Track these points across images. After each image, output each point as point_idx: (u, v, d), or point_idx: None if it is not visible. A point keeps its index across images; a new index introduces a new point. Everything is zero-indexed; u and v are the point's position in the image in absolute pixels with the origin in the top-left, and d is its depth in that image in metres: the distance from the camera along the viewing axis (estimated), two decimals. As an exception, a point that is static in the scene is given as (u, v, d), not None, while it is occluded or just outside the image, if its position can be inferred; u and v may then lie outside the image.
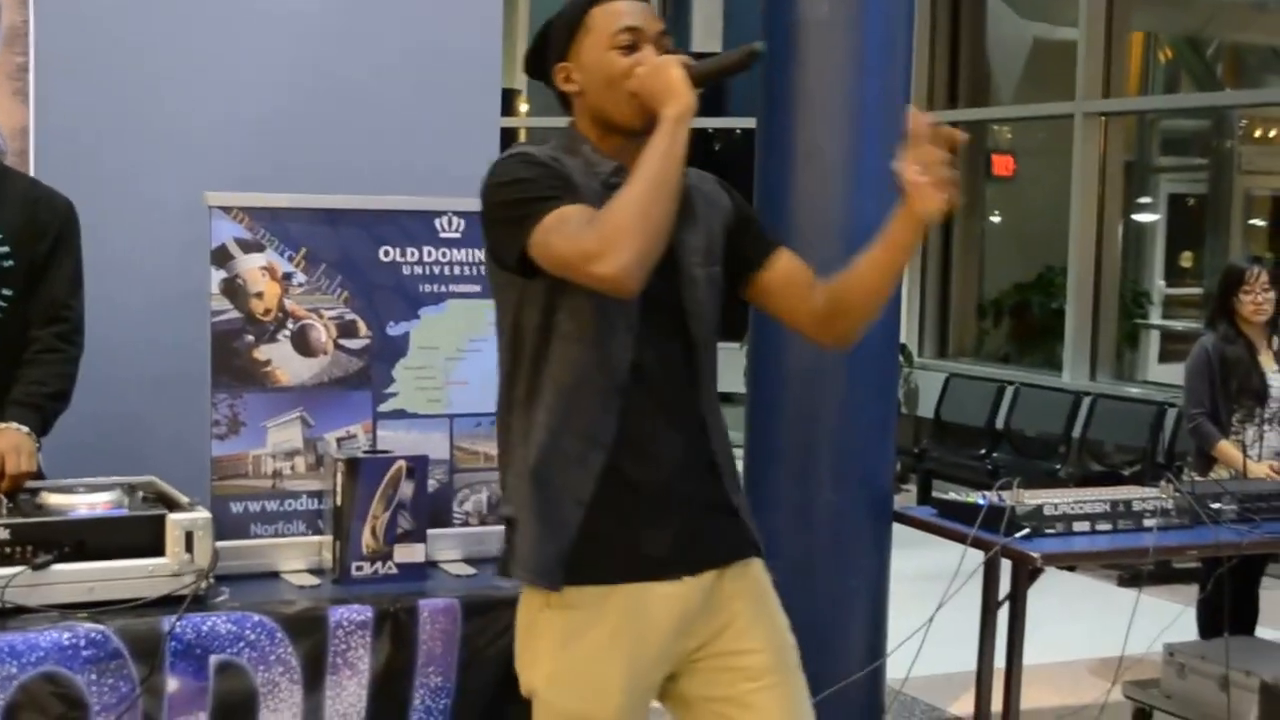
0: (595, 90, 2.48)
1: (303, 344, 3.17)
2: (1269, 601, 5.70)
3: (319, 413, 3.18)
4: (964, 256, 11.20)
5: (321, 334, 3.19)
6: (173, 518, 2.82)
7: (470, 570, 3.18)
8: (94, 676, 2.63)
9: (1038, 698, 5.25)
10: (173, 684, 2.70)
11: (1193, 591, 5.77)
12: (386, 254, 3.24)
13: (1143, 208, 11.34)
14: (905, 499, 8.90)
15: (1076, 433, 8.96)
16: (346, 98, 4.11)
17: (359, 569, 3.05)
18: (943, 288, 11.04)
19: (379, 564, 3.06)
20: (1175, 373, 7.65)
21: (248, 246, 3.13)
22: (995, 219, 11.95)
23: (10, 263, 3.23)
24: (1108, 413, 8.87)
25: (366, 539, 3.05)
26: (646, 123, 2.37)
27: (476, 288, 3.29)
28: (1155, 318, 11.04)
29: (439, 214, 3.29)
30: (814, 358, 4.39)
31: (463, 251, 3.30)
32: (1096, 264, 9.77)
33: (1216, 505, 4.47)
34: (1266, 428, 5.38)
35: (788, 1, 4.52)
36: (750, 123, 5.19)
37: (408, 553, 3.09)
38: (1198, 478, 4.92)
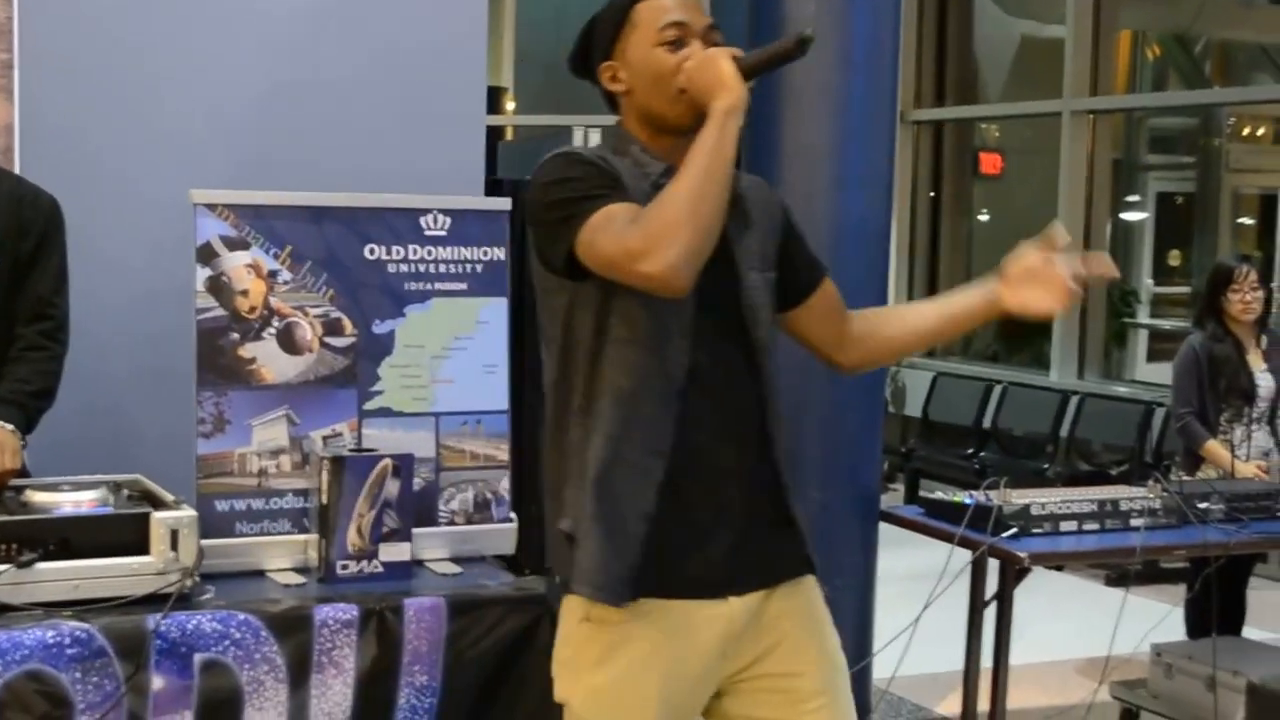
0: (643, 88, 2.39)
1: (288, 342, 3.16)
2: (1256, 601, 5.71)
3: (304, 411, 3.17)
4: (951, 255, 11.21)
5: (307, 332, 3.18)
6: (158, 516, 2.81)
7: (456, 569, 3.17)
8: (79, 675, 2.62)
9: (1024, 698, 5.25)
10: (157, 682, 2.69)
11: (1180, 591, 5.78)
12: (372, 252, 3.23)
13: (1131, 206, 11.34)
14: (892, 498, 8.89)
15: (1064, 432, 8.95)
16: (332, 95, 4.10)
17: (344, 568, 3.04)
18: (930, 286, 11.03)
19: (364, 563, 3.05)
20: (1163, 372, 7.64)
21: (233, 244, 3.12)
22: (983, 217, 11.96)
23: (-6, 260, 3.22)
24: (1095, 412, 8.86)
25: (352, 537, 3.04)
26: (697, 120, 2.28)
27: (462, 286, 3.28)
28: (1143, 316, 11.03)
29: (424, 212, 3.28)
30: (801, 356, 4.38)
31: (448, 249, 3.29)
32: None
33: (1204, 505, 4.47)
34: (1254, 427, 5.38)
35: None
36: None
37: (393, 551, 3.08)
38: (1185, 477, 4.92)
